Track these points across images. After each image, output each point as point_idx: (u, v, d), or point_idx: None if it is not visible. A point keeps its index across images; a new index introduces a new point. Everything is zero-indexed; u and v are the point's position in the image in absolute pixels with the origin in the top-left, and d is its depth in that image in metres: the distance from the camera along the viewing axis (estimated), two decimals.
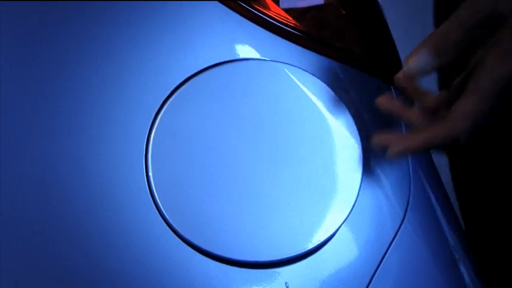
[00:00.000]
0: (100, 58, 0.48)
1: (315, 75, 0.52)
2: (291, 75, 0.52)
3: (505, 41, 0.37)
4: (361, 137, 0.52)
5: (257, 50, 0.52)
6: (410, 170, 0.57)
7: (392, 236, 0.51)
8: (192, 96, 0.49)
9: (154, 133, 0.48)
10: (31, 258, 0.44)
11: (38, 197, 0.45)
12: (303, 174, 0.49)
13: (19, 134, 0.46)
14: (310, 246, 0.48)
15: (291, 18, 0.54)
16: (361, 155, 0.51)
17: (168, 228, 0.46)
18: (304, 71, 0.52)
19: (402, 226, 0.52)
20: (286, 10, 0.54)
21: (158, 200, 0.47)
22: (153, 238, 0.46)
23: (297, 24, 0.54)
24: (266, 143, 0.49)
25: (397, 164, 0.56)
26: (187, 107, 0.49)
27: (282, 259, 0.48)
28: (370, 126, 0.55)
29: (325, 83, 0.53)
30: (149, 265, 0.45)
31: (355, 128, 0.52)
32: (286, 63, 0.52)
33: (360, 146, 0.51)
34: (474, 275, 0.59)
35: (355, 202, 0.50)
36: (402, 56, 0.69)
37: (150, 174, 0.47)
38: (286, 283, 0.48)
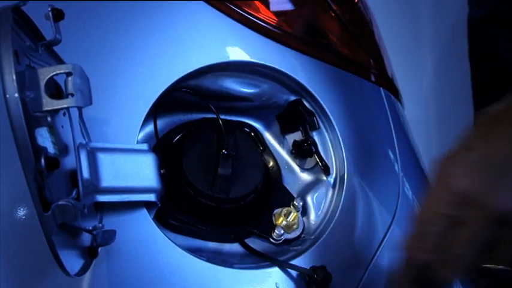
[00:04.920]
0: (90, 61, 0.47)
1: None
2: None
3: None
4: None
5: (247, 52, 0.52)
6: (400, 174, 0.57)
7: (382, 237, 0.52)
8: None
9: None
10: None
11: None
12: None
13: None
14: None
15: (281, 21, 0.54)
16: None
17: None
18: None
19: (391, 227, 0.52)
20: (277, 13, 0.54)
21: None
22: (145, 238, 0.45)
23: (287, 27, 0.54)
24: None
25: (387, 168, 0.57)
26: None
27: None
28: (358, 127, 0.56)
29: (313, 84, 0.53)
30: (139, 264, 0.45)
31: None
32: None
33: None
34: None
35: None
36: (397, 57, 0.69)
37: None
38: (276, 284, 0.48)
